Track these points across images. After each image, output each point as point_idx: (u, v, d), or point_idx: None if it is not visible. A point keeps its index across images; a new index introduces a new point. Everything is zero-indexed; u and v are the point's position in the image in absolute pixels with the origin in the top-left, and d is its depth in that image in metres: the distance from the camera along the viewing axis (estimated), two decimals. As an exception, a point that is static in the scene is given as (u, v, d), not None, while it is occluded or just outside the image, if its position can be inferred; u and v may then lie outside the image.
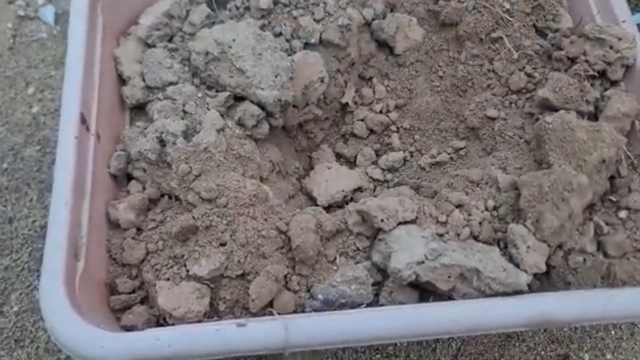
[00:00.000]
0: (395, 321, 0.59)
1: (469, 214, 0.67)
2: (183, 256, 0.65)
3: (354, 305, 0.65)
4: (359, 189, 0.83)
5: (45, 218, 0.92)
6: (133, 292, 0.67)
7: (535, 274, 0.63)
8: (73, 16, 0.75)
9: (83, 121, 0.69)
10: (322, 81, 0.81)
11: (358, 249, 0.68)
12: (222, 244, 0.65)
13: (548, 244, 0.64)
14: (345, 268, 0.66)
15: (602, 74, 0.76)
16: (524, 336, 0.86)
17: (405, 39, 0.87)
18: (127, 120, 0.79)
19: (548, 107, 0.74)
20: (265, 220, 0.68)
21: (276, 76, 0.74)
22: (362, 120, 0.88)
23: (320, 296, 0.65)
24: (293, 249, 0.65)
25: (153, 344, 0.56)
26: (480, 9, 0.82)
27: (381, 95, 0.89)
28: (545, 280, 0.66)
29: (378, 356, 0.84)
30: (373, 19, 0.87)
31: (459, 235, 0.66)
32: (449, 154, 0.83)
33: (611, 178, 0.70)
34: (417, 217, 0.67)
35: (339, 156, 0.90)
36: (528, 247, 0.63)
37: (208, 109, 0.73)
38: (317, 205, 0.79)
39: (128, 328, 0.64)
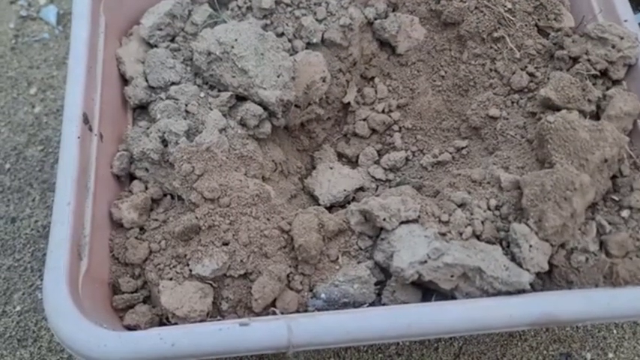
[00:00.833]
0: (397, 320, 0.59)
1: (471, 214, 0.67)
2: (186, 255, 0.65)
3: (357, 304, 0.65)
4: (361, 188, 0.83)
5: (47, 218, 0.92)
6: (136, 291, 0.67)
7: (537, 274, 0.63)
8: (75, 17, 0.75)
9: (86, 121, 0.69)
10: (324, 81, 0.81)
11: (361, 248, 0.68)
12: (225, 244, 0.65)
13: (551, 243, 0.64)
14: (347, 267, 0.66)
15: (604, 73, 0.76)
16: (526, 335, 0.86)
17: (406, 39, 0.87)
18: (129, 120, 0.79)
19: (551, 106, 0.74)
20: (268, 219, 0.68)
21: (278, 76, 0.74)
22: (364, 119, 0.88)
23: (323, 295, 0.65)
24: (295, 248, 0.65)
25: (156, 343, 0.56)
26: (481, 8, 0.82)
27: (382, 95, 0.89)
28: (547, 280, 0.66)
29: (380, 355, 0.84)
30: (375, 19, 0.87)
31: (461, 234, 0.66)
32: (451, 153, 0.83)
33: (614, 178, 0.70)
34: (419, 217, 0.67)
35: (341, 155, 0.90)
36: (531, 246, 0.63)
37: (211, 109, 0.73)
38: (319, 205, 0.79)
39: (131, 328, 0.64)
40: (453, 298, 0.64)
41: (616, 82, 0.76)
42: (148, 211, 0.71)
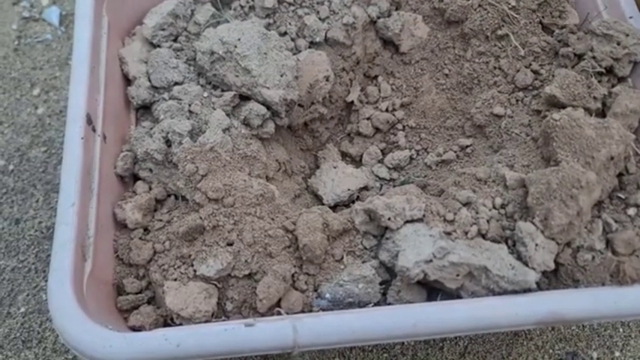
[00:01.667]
0: (403, 320, 0.58)
1: (477, 212, 0.67)
2: (190, 256, 0.65)
3: (362, 304, 0.64)
4: (365, 188, 0.82)
5: (51, 219, 0.92)
6: (141, 292, 0.67)
7: (544, 272, 0.63)
8: (78, 17, 0.75)
9: (89, 121, 0.69)
10: (328, 80, 0.81)
11: (365, 248, 0.68)
12: (230, 244, 0.65)
13: (557, 241, 0.63)
14: (352, 267, 0.66)
15: (610, 71, 0.76)
16: (532, 334, 0.86)
17: (410, 37, 0.86)
18: (132, 120, 0.79)
19: (555, 104, 0.74)
20: (272, 219, 0.68)
21: (281, 75, 0.74)
22: (368, 118, 0.88)
23: (327, 295, 0.64)
24: (300, 248, 0.65)
25: (161, 344, 0.56)
26: (485, 6, 0.82)
27: (386, 94, 0.88)
28: (553, 278, 0.65)
29: (385, 355, 0.84)
30: (378, 18, 0.87)
31: (466, 233, 0.65)
32: (455, 152, 0.83)
33: (620, 175, 0.69)
34: (424, 216, 0.66)
35: (344, 155, 0.90)
36: (537, 244, 0.63)
37: (214, 109, 0.73)
38: (323, 204, 0.79)
39: (136, 329, 0.64)
40: (459, 297, 0.64)
41: (621, 80, 0.76)
42: (152, 212, 0.71)
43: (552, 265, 0.63)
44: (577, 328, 0.87)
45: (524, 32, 0.81)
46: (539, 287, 0.63)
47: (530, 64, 0.80)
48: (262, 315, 0.64)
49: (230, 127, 0.72)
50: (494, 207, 0.68)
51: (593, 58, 0.75)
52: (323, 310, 0.64)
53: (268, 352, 0.58)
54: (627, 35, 0.75)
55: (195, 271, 0.64)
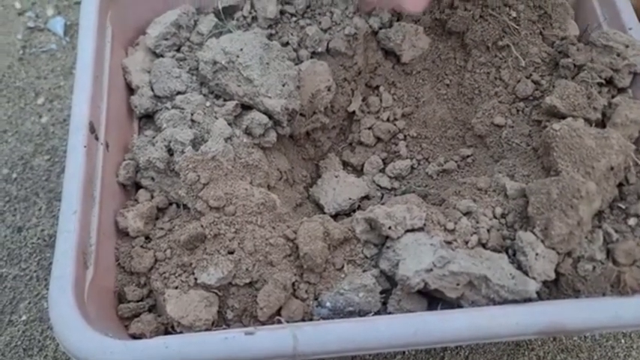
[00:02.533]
0: (403, 329, 0.58)
1: (477, 222, 0.67)
2: (191, 264, 0.65)
3: (362, 313, 0.64)
4: (366, 197, 0.83)
5: (54, 227, 0.93)
6: (141, 300, 0.67)
7: (544, 282, 0.63)
8: (82, 28, 0.76)
9: (92, 130, 0.69)
10: (329, 89, 0.81)
11: (366, 257, 0.68)
12: (231, 252, 0.65)
13: (557, 251, 0.63)
14: (352, 276, 0.66)
15: (610, 81, 0.76)
16: (533, 345, 0.86)
17: (411, 48, 0.87)
18: (135, 129, 0.79)
19: (556, 114, 0.74)
20: (273, 228, 0.68)
21: (283, 85, 0.74)
22: (369, 128, 0.88)
23: (328, 304, 0.64)
24: (301, 257, 0.65)
25: (162, 352, 0.56)
26: (486, 17, 0.82)
27: (387, 104, 0.89)
28: (554, 288, 0.65)
29: (386, 365, 0.84)
30: (380, 28, 0.87)
31: (467, 242, 0.65)
32: (456, 161, 0.83)
33: (620, 186, 0.69)
34: (425, 225, 0.66)
35: (346, 164, 0.90)
36: (537, 254, 0.63)
37: (216, 118, 0.74)
38: (324, 213, 0.79)
39: (136, 337, 0.64)
40: (459, 306, 0.64)
41: (621, 90, 0.76)
42: (153, 220, 0.71)
43: (553, 275, 0.63)
44: (579, 339, 0.87)
45: (524, 43, 0.81)
46: (540, 297, 0.63)
47: (531, 75, 0.80)
48: (263, 323, 0.64)
49: (232, 136, 0.72)
50: (494, 216, 0.68)
51: (593, 69, 0.76)
52: (323, 318, 0.64)
53: (268, 361, 0.58)
54: (627, 46, 0.75)
55: (196, 279, 0.64)
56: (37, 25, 1.13)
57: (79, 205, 0.64)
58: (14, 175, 0.98)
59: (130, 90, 0.80)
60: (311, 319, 0.65)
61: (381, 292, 0.65)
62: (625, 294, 0.63)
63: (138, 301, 0.67)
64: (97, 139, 0.70)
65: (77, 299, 0.59)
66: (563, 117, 0.72)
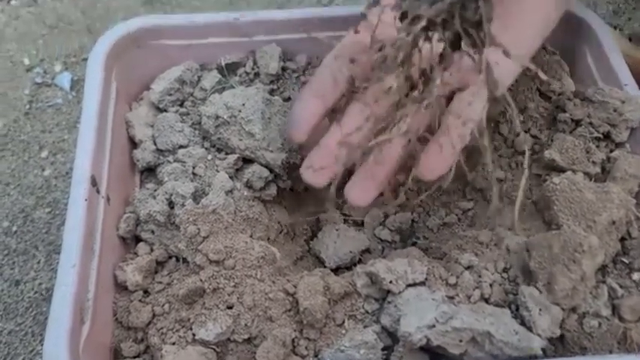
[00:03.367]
0: (406, 387, 0.57)
1: (479, 276, 0.66)
2: (189, 319, 0.64)
3: (364, 371, 0.63)
4: (367, 250, 0.82)
5: (52, 281, 0.92)
6: (138, 356, 0.66)
7: (550, 339, 0.62)
8: (87, 83, 0.77)
9: (94, 183, 0.70)
10: (330, 143, 0.82)
11: (367, 312, 0.67)
12: (229, 307, 0.64)
13: (562, 307, 0.62)
14: (353, 331, 0.65)
15: (607, 136, 0.77)
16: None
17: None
18: (137, 182, 0.80)
19: (555, 168, 0.75)
20: (273, 282, 0.67)
21: (284, 139, 0.75)
22: (369, 181, 0.88)
23: (328, 361, 0.63)
24: (301, 312, 0.64)
25: (156, 412, 0.54)
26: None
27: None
28: (559, 345, 0.64)
29: None
30: (379, 84, 0.89)
31: (469, 297, 0.65)
32: (457, 215, 0.83)
33: (622, 240, 0.69)
34: (426, 279, 0.66)
35: (346, 217, 0.90)
36: (540, 310, 0.62)
37: (217, 171, 0.74)
38: (325, 267, 0.78)
39: (131, 395, 0.62)
40: (463, 364, 0.62)
41: (619, 145, 0.77)
42: (152, 274, 0.71)
43: (558, 332, 0.61)
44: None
45: (522, 98, 0.83)
46: (545, 354, 0.62)
47: (529, 129, 0.81)
48: (261, 381, 0.62)
49: (233, 190, 0.73)
50: (496, 271, 0.67)
51: (590, 123, 0.77)
52: (324, 376, 0.63)
53: (267, 421, 0.56)
54: (623, 102, 0.77)
55: (194, 334, 0.63)
56: (45, 81, 1.16)
57: (78, 259, 0.64)
58: (14, 228, 0.98)
59: (133, 144, 0.81)
60: (311, 377, 0.63)
61: (383, 349, 0.64)
62: (632, 351, 0.62)
63: (134, 357, 0.66)
64: (98, 192, 0.71)
65: (72, 355, 0.57)
66: (563, 171, 0.73)
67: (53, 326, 0.59)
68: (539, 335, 0.61)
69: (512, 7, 0.59)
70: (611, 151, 0.76)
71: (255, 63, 0.87)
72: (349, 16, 0.86)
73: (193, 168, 0.75)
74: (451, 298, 0.64)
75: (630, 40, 1.11)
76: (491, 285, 0.65)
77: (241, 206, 0.72)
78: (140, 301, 0.68)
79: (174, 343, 0.63)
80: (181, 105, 0.84)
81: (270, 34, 0.88)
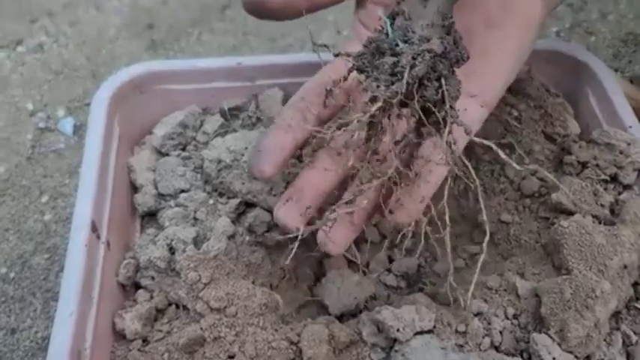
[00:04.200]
0: None
1: (489, 323, 0.65)
2: (189, 369, 0.62)
3: None
4: (373, 297, 0.80)
5: (48, 329, 0.90)
6: (135, 410, 0.63)
7: (564, 389, 0.60)
8: (90, 128, 0.77)
9: (94, 229, 0.69)
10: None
11: (374, 361, 0.65)
12: (231, 357, 0.62)
13: (575, 355, 0.60)
14: (360, 382, 0.63)
15: (615, 178, 0.76)
16: None
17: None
18: (137, 227, 0.79)
19: (563, 211, 0.74)
20: (275, 330, 0.65)
21: (286, 183, 0.75)
22: (375, 225, 0.87)
23: (334, 414, 0.61)
24: (305, 362, 0.62)
25: None
26: (488, 117, 0.84)
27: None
28: (575, 396, 0.62)
29: None
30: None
31: (479, 345, 0.63)
32: (464, 259, 0.81)
33: (635, 285, 0.68)
34: (434, 327, 0.64)
35: (351, 262, 0.88)
36: (554, 358, 0.60)
37: (219, 216, 0.73)
38: (329, 314, 0.76)
39: None
40: (475, 416, 0.60)
41: (627, 187, 0.76)
42: (152, 322, 0.69)
43: (573, 381, 0.59)
44: None
45: (527, 141, 0.82)
46: (561, 406, 0.60)
47: (536, 172, 0.81)
48: None
49: (235, 234, 0.72)
50: (506, 317, 0.66)
51: (597, 166, 0.76)
52: None
53: None
54: (629, 144, 0.76)
55: (193, 386, 0.61)
56: (48, 126, 1.16)
57: (76, 307, 0.62)
58: (12, 275, 0.96)
59: (135, 188, 0.81)
60: None
61: (391, 401, 0.62)
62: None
63: (131, 411, 0.63)
64: (98, 237, 0.70)
65: (66, 409, 0.56)
66: (571, 213, 0.72)
67: (47, 378, 0.57)
68: (553, 386, 0.59)
69: (475, 49, 0.59)
70: (619, 193, 0.75)
71: (257, 107, 0.87)
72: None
73: (195, 212, 0.74)
74: (460, 346, 0.62)
75: (632, 82, 1.12)
76: (501, 332, 0.64)
77: (243, 251, 0.71)
78: (139, 350, 0.66)
79: (173, 396, 0.61)
80: (183, 149, 0.84)
81: (273, 78, 0.88)
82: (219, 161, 0.75)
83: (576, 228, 0.66)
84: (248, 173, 0.74)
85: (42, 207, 1.04)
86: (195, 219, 0.73)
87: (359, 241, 0.89)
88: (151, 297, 0.71)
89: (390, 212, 0.62)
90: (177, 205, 0.76)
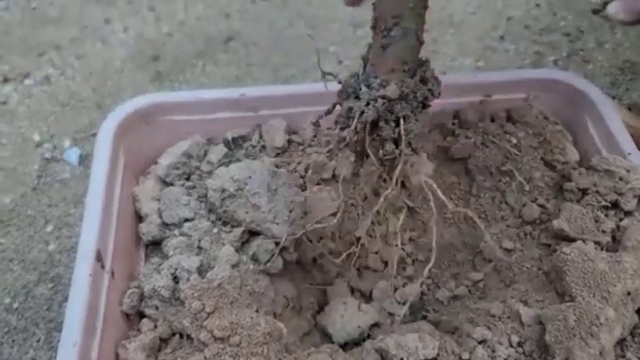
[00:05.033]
0: None
1: (493, 351, 0.64)
2: (193, 400, 0.62)
3: None
4: (376, 325, 0.80)
5: (51, 360, 0.89)
6: None
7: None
8: (96, 158, 0.78)
9: (99, 258, 0.69)
10: (336, 215, 0.82)
11: (378, 391, 0.64)
12: (235, 387, 0.62)
13: (581, 383, 0.60)
14: (364, 412, 0.62)
15: (615, 204, 0.76)
16: None
17: (416, 174, 0.89)
18: (142, 257, 0.79)
19: (565, 238, 0.74)
20: (279, 359, 0.65)
21: (290, 211, 0.75)
22: (376, 252, 0.87)
23: None
24: (309, 391, 0.62)
25: None
26: (487, 144, 0.85)
27: (394, 228, 0.89)
28: None
29: None
30: (384, 156, 0.89)
31: (484, 374, 0.62)
32: (467, 286, 0.81)
33: (638, 311, 0.67)
34: (438, 355, 0.64)
35: (354, 290, 0.88)
36: (560, 387, 0.59)
37: (223, 245, 0.74)
38: (333, 343, 0.76)
39: None
40: None
41: (628, 213, 0.76)
42: (155, 352, 0.69)
43: (580, 411, 0.59)
44: None
45: (527, 168, 0.83)
46: None
47: (536, 199, 0.81)
48: None
49: (239, 263, 0.72)
50: (511, 345, 0.65)
51: (597, 192, 0.76)
52: None
53: None
54: (628, 171, 0.77)
55: (197, 417, 0.60)
56: (54, 156, 1.17)
57: (80, 337, 0.62)
58: (16, 305, 0.96)
59: (139, 218, 0.81)
60: None
61: None
62: None
63: None
64: (103, 267, 0.70)
65: None
66: (573, 240, 0.72)
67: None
68: (559, 415, 0.58)
69: None
70: (620, 219, 0.76)
71: (261, 136, 0.88)
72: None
73: (199, 241, 0.74)
74: (465, 375, 0.62)
75: (630, 109, 1.13)
76: (506, 360, 0.63)
77: (247, 280, 0.71)
78: (142, 380, 0.66)
79: None
80: (188, 178, 0.85)
81: (275, 108, 0.90)
82: (224, 190, 0.76)
83: (578, 255, 0.66)
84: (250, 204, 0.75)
85: (46, 237, 1.05)
86: (200, 248, 0.74)
87: (361, 269, 0.89)
88: (155, 326, 0.71)
89: None
90: (181, 234, 0.76)
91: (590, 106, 0.87)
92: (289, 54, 1.36)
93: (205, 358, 0.63)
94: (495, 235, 0.81)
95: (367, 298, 0.87)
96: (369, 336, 0.78)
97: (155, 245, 0.79)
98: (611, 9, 0.76)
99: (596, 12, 1.41)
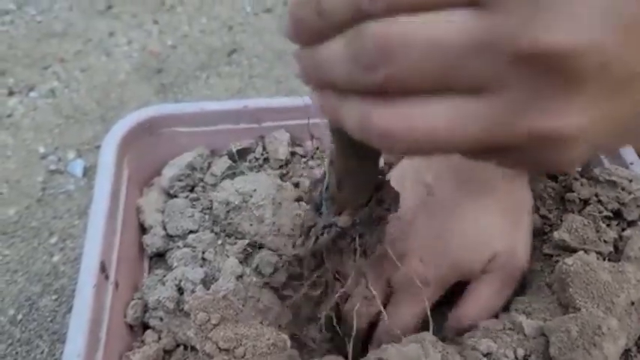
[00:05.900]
0: None
1: (498, 363, 0.64)
2: (197, 412, 0.62)
3: None
4: (380, 336, 0.80)
5: (54, 372, 0.89)
6: None
7: None
8: (100, 170, 0.79)
9: (103, 269, 0.69)
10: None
11: (381, 402, 0.64)
12: (239, 398, 0.62)
13: (585, 395, 0.60)
14: None
15: (618, 214, 0.77)
16: None
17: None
18: (146, 268, 0.79)
19: (566, 248, 0.74)
20: (283, 371, 0.65)
21: (294, 224, 0.75)
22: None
23: None
24: (313, 403, 0.62)
25: None
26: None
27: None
28: None
29: None
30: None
31: (488, 385, 0.62)
32: (470, 298, 0.81)
33: (642, 322, 0.67)
34: (441, 366, 0.63)
35: (357, 302, 0.88)
36: (565, 398, 0.59)
37: (227, 257, 0.74)
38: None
39: None
40: None
41: (631, 223, 0.76)
42: (159, 364, 0.69)
43: (585, 422, 0.58)
44: None
45: (529, 179, 0.83)
46: None
47: (538, 209, 0.81)
48: None
49: (243, 275, 0.72)
50: (516, 357, 0.65)
51: (599, 202, 0.76)
52: None
53: None
54: (631, 181, 0.77)
55: None
56: (58, 168, 1.18)
57: (83, 348, 0.62)
58: (19, 317, 0.96)
59: (143, 229, 0.82)
60: None
61: None
62: None
63: None
64: (107, 278, 0.70)
65: None
66: (574, 251, 0.72)
67: (56, 421, 0.57)
68: None
69: None
70: (623, 229, 0.76)
71: (264, 148, 0.89)
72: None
73: (203, 253, 0.75)
74: (469, 386, 0.62)
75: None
76: (510, 372, 0.63)
77: (251, 292, 0.71)
78: (146, 392, 0.66)
79: None
80: (191, 190, 0.85)
81: (278, 120, 0.90)
82: (228, 203, 0.76)
83: (581, 265, 0.66)
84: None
85: (51, 248, 1.05)
86: (204, 259, 0.74)
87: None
88: (159, 338, 0.71)
89: None
90: (185, 246, 0.76)
91: (592, 118, 0.87)
92: (291, 66, 1.37)
93: (209, 369, 0.63)
94: (498, 246, 0.81)
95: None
96: (372, 347, 0.78)
97: (159, 257, 0.80)
98: None
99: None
